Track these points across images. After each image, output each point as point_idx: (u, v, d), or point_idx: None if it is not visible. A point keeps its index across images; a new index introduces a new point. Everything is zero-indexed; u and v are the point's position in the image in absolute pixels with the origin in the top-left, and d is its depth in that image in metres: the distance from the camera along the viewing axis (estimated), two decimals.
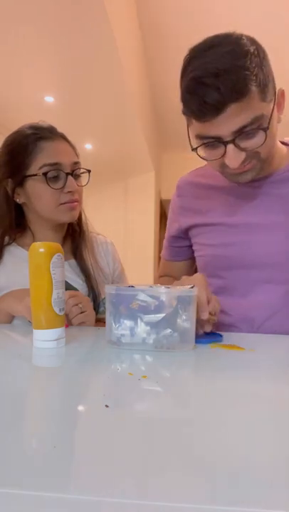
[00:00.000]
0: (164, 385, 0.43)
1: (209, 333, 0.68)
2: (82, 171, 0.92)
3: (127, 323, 0.59)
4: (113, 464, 0.26)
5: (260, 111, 0.68)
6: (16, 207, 0.92)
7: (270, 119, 0.69)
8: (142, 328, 0.58)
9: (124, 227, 5.63)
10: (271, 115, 0.70)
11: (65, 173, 0.86)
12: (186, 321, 0.58)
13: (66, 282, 0.78)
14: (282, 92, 0.75)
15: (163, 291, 0.58)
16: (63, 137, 0.91)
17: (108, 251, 1.05)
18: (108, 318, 0.61)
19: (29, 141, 0.86)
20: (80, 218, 0.99)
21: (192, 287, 0.60)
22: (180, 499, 0.22)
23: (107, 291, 0.61)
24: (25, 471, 0.25)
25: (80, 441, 0.30)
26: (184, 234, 0.97)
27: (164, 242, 1.06)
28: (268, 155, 0.75)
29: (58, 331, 0.61)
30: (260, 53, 0.68)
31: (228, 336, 0.69)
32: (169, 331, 0.58)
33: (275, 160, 0.81)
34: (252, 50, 0.66)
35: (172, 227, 1.01)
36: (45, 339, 0.60)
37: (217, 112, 0.66)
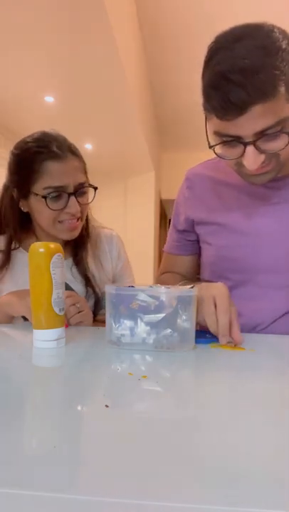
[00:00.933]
0: (164, 385, 0.43)
1: (209, 333, 0.68)
2: (86, 190, 0.90)
3: (127, 323, 0.59)
4: (113, 464, 0.26)
5: (285, 113, 0.63)
6: (22, 211, 0.92)
7: None
8: (142, 328, 0.58)
9: (124, 227, 5.63)
10: None
11: (68, 194, 0.85)
12: (186, 321, 0.58)
13: (65, 284, 0.78)
14: None
15: (163, 291, 0.58)
16: (72, 151, 0.87)
17: (113, 245, 1.04)
18: (108, 318, 0.61)
19: (35, 159, 0.84)
20: (87, 223, 0.99)
21: (192, 287, 0.60)
22: (180, 499, 0.22)
23: (107, 291, 0.61)
24: (26, 471, 0.25)
25: (80, 441, 0.30)
26: (191, 227, 0.94)
27: (168, 236, 1.02)
28: (287, 158, 0.71)
29: (58, 331, 0.61)
30: (287, 45, 0.63)
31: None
32: (169, 331, 0.57)
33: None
34: (284, 46, 0.62)
35: (178, 219, 0.97)
36: (45, 339, 0.60)
37: (241, 112, 0.62)
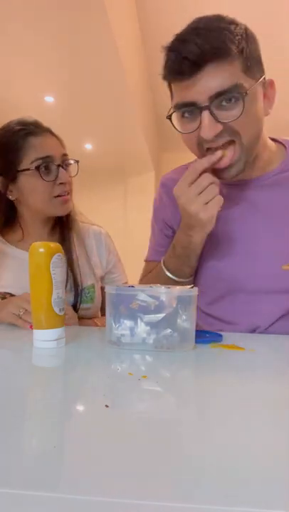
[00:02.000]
0: (164, 385, 0.43)
1: (209, 333, 0.68)
2: (71, 161, 0.93)
3: (127, 323, 0.59)
4: (113, 464, 0.26)
5: (240, 80, 0.65)
6: (7, 204, 0.94)
7: (252, 97, 0.66)
8: (142, 328, 0.58)
9: (124, 227, 5.63)
10: (255, 95, 0.67)
11: (56, 165, 0.88)
12: (186, 321, 0.58)
13: None
14: (271, 82, 0.72)
15: (163, 291, 0.58)
16: (50, 131, 0.93)
17: (102, 242, 1.05)
18: (108, 318, 0.61)
19: (18, 137, 0.88)
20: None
21: (192, 287, 0.60)
22: (180, 499, 0.22)
23: (107, 291, 0.61)
24: (26, 471, 0.25)
25: (80, 441, 0.30)
26: (172, 232, 0.93)
27: (149, 245, 1.01)
28: (251, 143, 0.71)
29: (58, 331, 0.61)
30: (248, 33, 0.67)
31: (228, 336, 0.69)
32: (169, 331, 0.57)
33: (264, 158, 0.78)
34: (240, 26, 0.66)
35: (158, 225, 0.96)
36: (45, 339, 0.60)
37: (195, 69, 0.63)
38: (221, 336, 0.67)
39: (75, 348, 0.62)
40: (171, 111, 0.71)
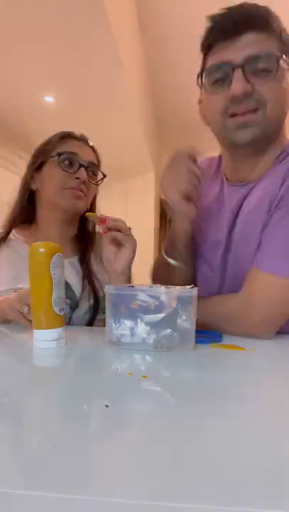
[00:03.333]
0: (164, 385, 0.43)
1: (209, 332, 0.67)
2: (99, 175, 0.99)
3: (127, 323, 0.59)
4: (113, 464, 0.26)
5: (278, 52, 0.69)
6: (29, 197, 0.98)
7: (283, 75, 0.70)
8: (142, 328, 0.58)
9: None
10: (285, 76, 0.71)
11: (79, 164, 0.93)
12: (186, 321, 0.58)
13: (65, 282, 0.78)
14: None
15: (163, 291, 0.58)
16: (91, 146, 1.00)
17: None
18: (108, 318, 0.61)
19: (58, 135, 0.96)
20: (93, 223, 1.03)
21: (192, 287, 0.60)
22: (180, 499, 0.22)
23: (107, 291, 0.61)
24: (26, 471, 0.25)
25: (80, 441, 0.30)
26: None
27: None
28: (273, 119, 0.72)
29: (58, 331, 0.61)
30: (284, 29, 0.72)
31: (228, 336, 0.69)
32: (169, 331, 0.57)
33: (273, 158, 0.77)
34: (280, 22, 0.72)
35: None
36: (45, 339, 0.60)
37: (238, 31, 0.68)
38: (220, 335, 0.67)
39: (75, 348, 0.62)
40: (208, 83, 0.74)
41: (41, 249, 0.60)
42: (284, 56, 0.70)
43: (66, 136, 0.96)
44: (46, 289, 0.60)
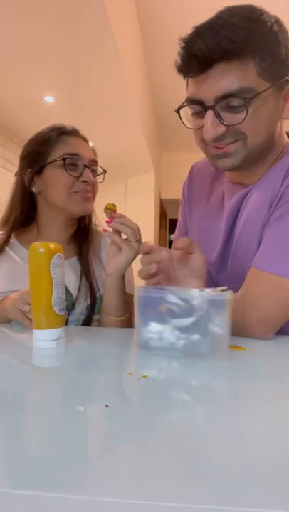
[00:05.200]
0: (163, 385, 0.43)
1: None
2: (99, 170, 0.97)
3: (156, 326, 0.55)
4: (113, 464, 0.26)
5: (251, 84, 0.61)
6: (29, 200, 0.96)
7: (263, 101, 0.64)
8: (170, 333, 0.54)
9: None
10: (268, 99, 0.64)
11: (83, 165, 0.91)
12: (219, 327, 0.53)
13: None
14: None
15: (194, 294, 0.54)
16: (85, 139, 0.98)
17: None
18: (136, 320, 0.58)
19: (52, 134, 0.93)
20: (90, 221, 1.02)
21: (225, 290, 0.55)
22: (180, 499, 0.22)
23: (136, 293, 0.58)
24: (26, 471, 0.25)
25: (80, 441, 0.30)
26: (185, 212, 0.97)
27: (176, 229, 1.03)
28: (257, 146, 0.68)
29: (57, 331, 0.61)
30: (273, 31, 0.62)
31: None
32: (197, 336, 0.53)
33: (270, 159, 0.75)
34: (265, 23, 0.61)
35: (181, 213, 1.00)
36: (45, 339, 0.60)
37: (203, 67, 0.62)
38: None
39: (75, 348, 0.62)
40: (184, 104, 0.71)
41: (41, 249, 0.60)
42: (261, 81, 0.63)
43: (62, 134, 0.93)
44: (46, 289, 0.60)
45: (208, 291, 0.55)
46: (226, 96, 0.62)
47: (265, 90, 0.63)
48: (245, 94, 0.62)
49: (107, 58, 2.73)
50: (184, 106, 0.70)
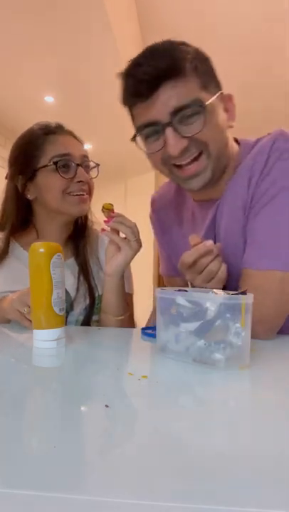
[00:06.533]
0: (163, 385, 0.43)
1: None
2: (92, 164, 0.94)
3: (172, 329, 0.53)
4: (113, 464, 0.26)
5: (199, 95, 0.67)
6: (24, 205, 0.94)
7: (212, 110, 0.68)
8: (185, 337, 0.51)
9: None
10: (215, 109, 0.69)
11: (76, 164, 0.88)
12: (236, 335, 0.49)
13: None
14: (230, 96, 0.74)
15: (205, 297, 0.50)
16: (71, 134, 0.94)
17: None
18: (156, 322, 0.58)
19: (38, 136, 0.89)
20: (86, 217, 1.00)
21: (243, 292, 0.51)
22: (180, 499, 0.22)
23: (155, 294, 0.57)
24: (26, 471, 0.25)
25: (80, 441, 0.30)
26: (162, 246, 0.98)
27: (160, 264, 1.03)
28: (219, 153, 0.71)
29: (57, 331, 0.61)
30: (200, 52, 0.70)
31: None
32: (202, 342, 0.50)
33: (232, 170, 0.77)
34: (191, 47, 0.69)
35: (159, 245, 1.00)
36: (45, 339, 0.60)
37: (152, 89, 0.66)
38: None
39: (75, 348, 0.62)
40: (135, 134, 0.73)
41: (41, 250, 0.60)
42: (205, 93, 0.68)
43: (48, 133, 0.89)
44: (46, 289, 0.60)
45: (221, 293, 0.51)
46: (180, 109, 0.66)
47: (210, 100, 0.68)
48: (197, 104, 0.66)
49: (107, 58, 2.73)
50: (137, 135, 0.73)
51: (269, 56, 3.21)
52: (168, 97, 0.66)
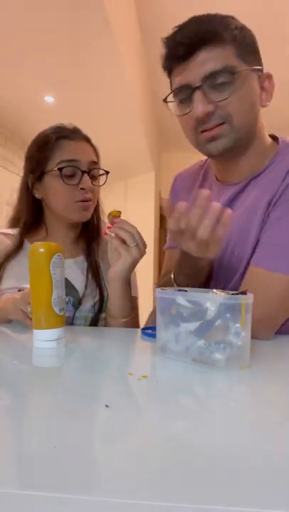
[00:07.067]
0: (163, 385, 0.43)
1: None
2: (100, 172, 0.95)
3: (172, 329, 0.53)
4: (113, 464, 0.26)
5: (232, 63, 0.68)
6: (35, 203, 0.96)
7: (244, 81, 0.69)
8: (184, 337, 0.51)
9: None
10: (248, 80, 0.70)
11: (81, 171, 0.89)
12: (236, 335, 0.48)
13: (66, 279, 0.78)
14: (269, 75, 0.75)
15: (205, 297, 0.50)
16: (86, 139, 0.95)
17: None
18: (156, 322, 0.58)
19: (51, 138, 0.91)
20: (95, 217, 1.01)
21: (242, 292, 0.51)
22: (180, 499, 0.22)
23: (155, 294, 0.57)
24: (26, 471, 0.25)
25: (80, 441, 0.30)
26: None
27: (168, 240, 1.03)
28: (242, 127, 0.72)
29: (57, 331, 0.61)
30: (244, 26, 0.71)
31: None
32: (202, 342, 0.49)
33: (258, 155, 0.77)
34: (235, 20, 0.71)
35: None
36: (45, 339, 0.60)
37: (189, 52, 0.68)
38: None
39: (75, 348, 0.62)
40: (176, 104, 0.75)
41: (41, 249, 0.61)
42: (241, 63, 0.69)
43: (60, 138, 0.91)
44: (46, 289, 0.60)
45: (221, 294, 0.51)
46: (212, 74, 0.68)
47: (245, 70, 0.70)
48: (229, 71, 0.68)
49: (107, 58, 2.73)
50: (170, 97, 0.74)
51: (269, 56, 3.21)
52: (202, 62, 0.68)
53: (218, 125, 0.71)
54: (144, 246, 0.79)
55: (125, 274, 0.81)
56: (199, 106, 0.69)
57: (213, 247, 0.64)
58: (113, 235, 0.78)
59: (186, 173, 0.97)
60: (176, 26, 0.71)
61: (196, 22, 0.70)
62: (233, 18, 0.72)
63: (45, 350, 0.59)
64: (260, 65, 0.74)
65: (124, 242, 0.77)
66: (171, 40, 0.71)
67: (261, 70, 0.73)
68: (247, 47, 0.71)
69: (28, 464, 0.26)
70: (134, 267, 0.81)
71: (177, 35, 0.70)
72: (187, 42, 0.68)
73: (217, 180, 0.85)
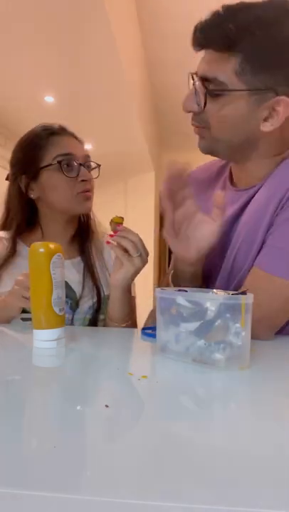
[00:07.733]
0: (163, 385, 0.43)
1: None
2: (93, 164, 0.96)
3: (172, 329, 0.53)
4: (113, 464, 0.26)
5: (226, 79, 0.64)
6: (28, 205, 0.95)
7: (230, 100, 0.66)
8: (184, 337, 0.51)
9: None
10: (236, 100, 0.66)
11: (78, 164, 0.90)
12: (236, 335, 0.49)
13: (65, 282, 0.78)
14: (279, 101, 0.64)
15: (205, 297, 0.50)
16: (73, 135, 0.96)
17: None
18: (156, 322, 0.57)
19: (41, 136, 0.92)
20: (88, 217, 1.02)
21: (242, 293, 0.51)
22: (180, 499, 0.22)
23: (155, 294, 0.57)
24: (26, 471, 0.25)
25: (80, 441, 0.30)
26: None
27: None
28: (224, 142, 0.71)
29: (57, 331, 0.61)
30: (270, 38, 0.62)
31: None
32: (202, 342, 0.49)
33: (270, 161, 0.75)
34: (262, 32, 0.61)
35: None
36: (45, 339, 0.60)
37: (200, 45, 0.67)
38: None
39: (75, 348, 0.62)
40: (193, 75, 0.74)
41: (41, 250, 0.60)
42: (237, 81, 0.64)
43: (51, 135, 0.92)
44: (46, 289, 0.60)
45: (221, 294, 0.51)
46: (205, 79, 0.67)
47: (237, 90, 0.65)
48: (219, 85, 0.66)
49: (107, 58, 2.73)
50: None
51: None
52: (205, 62, 0.68)
53: (200, 126, 0.72)
54: (147, 254, 0.79)
55: (127, 282, 0.81)
56: (184, 101, 0.70)
57: (193, 248, 0.66)
58: (116, 243, 0.77)
59: (200, 171, 0.95)
60: (209, 13, 0.66)
61: (218, 18, 0.64)
62: (259, 24, 0.62)
63: (45, 350, 0.59)
64: (275, 84, 0.64)
65: (126, 251, 0.76)
66: (196, 26, 0.68)
67: (274, 91, 0.64)
68: (259, 63, 0.63)
69: (28, 464, 0.26)
70: (136, 275, 0.80)
71: (198, 24, 0.66)
72: (201, 35, 0.66)
73: (231, 184, 0.84)
